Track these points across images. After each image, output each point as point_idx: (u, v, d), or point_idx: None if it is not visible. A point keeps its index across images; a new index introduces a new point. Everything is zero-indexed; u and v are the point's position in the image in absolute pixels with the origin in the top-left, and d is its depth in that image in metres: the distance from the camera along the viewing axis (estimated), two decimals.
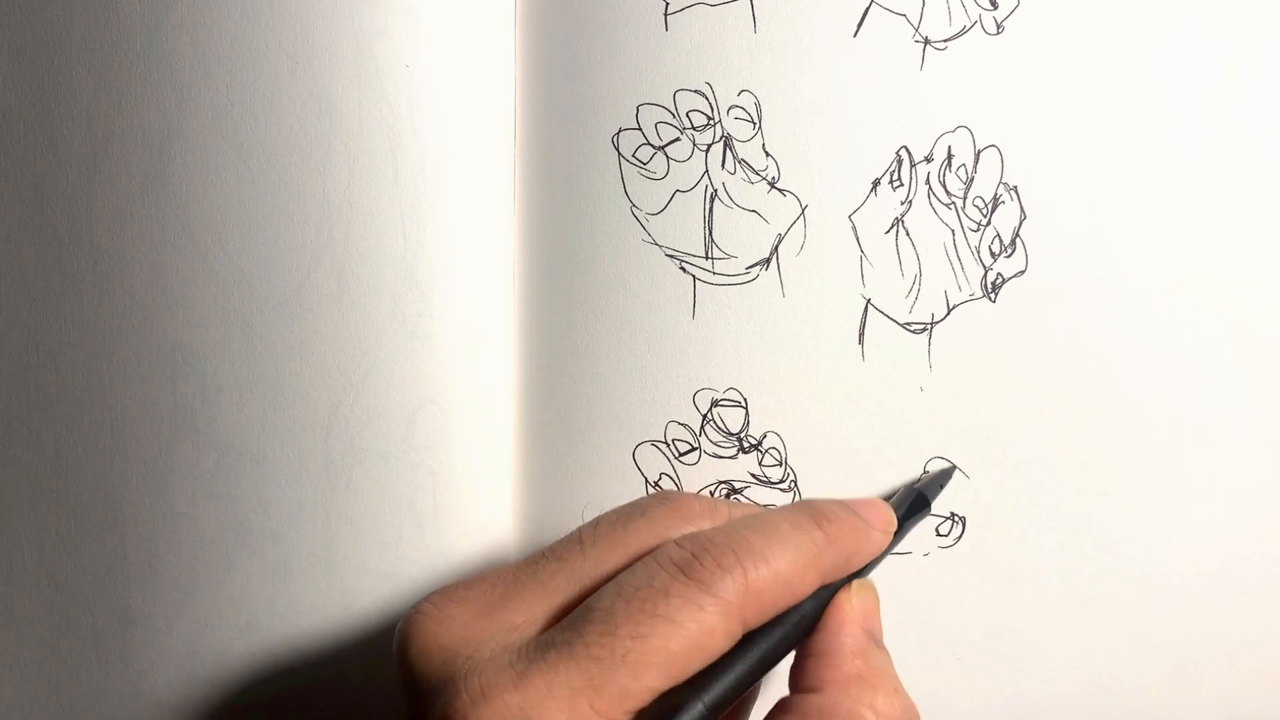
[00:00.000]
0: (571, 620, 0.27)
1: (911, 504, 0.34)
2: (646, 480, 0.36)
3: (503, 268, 0.35)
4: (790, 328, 0.35)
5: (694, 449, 0.36)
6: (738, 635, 0.28)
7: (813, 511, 0.30)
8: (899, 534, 0.33)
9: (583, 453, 0.36)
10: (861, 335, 0.35)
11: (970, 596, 0.35)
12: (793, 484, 0.36)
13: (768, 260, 0.35)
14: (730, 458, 0.36)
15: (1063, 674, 0.36)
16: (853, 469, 0.35)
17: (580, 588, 0.29)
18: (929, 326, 0.35)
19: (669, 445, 0.36)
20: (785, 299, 0.35)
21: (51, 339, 0.33)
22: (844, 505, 0.31)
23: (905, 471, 0.35)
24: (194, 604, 0.34)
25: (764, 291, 0.35)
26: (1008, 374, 0.34)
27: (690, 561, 0.28)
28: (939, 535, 0.35)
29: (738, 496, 0.36)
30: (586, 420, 0.36)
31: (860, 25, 0.34)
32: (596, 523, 0.30)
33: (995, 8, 0.33)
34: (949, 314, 0.34)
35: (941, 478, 0.35)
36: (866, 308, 0.35)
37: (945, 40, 0.33)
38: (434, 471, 0.34)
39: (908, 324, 0.35)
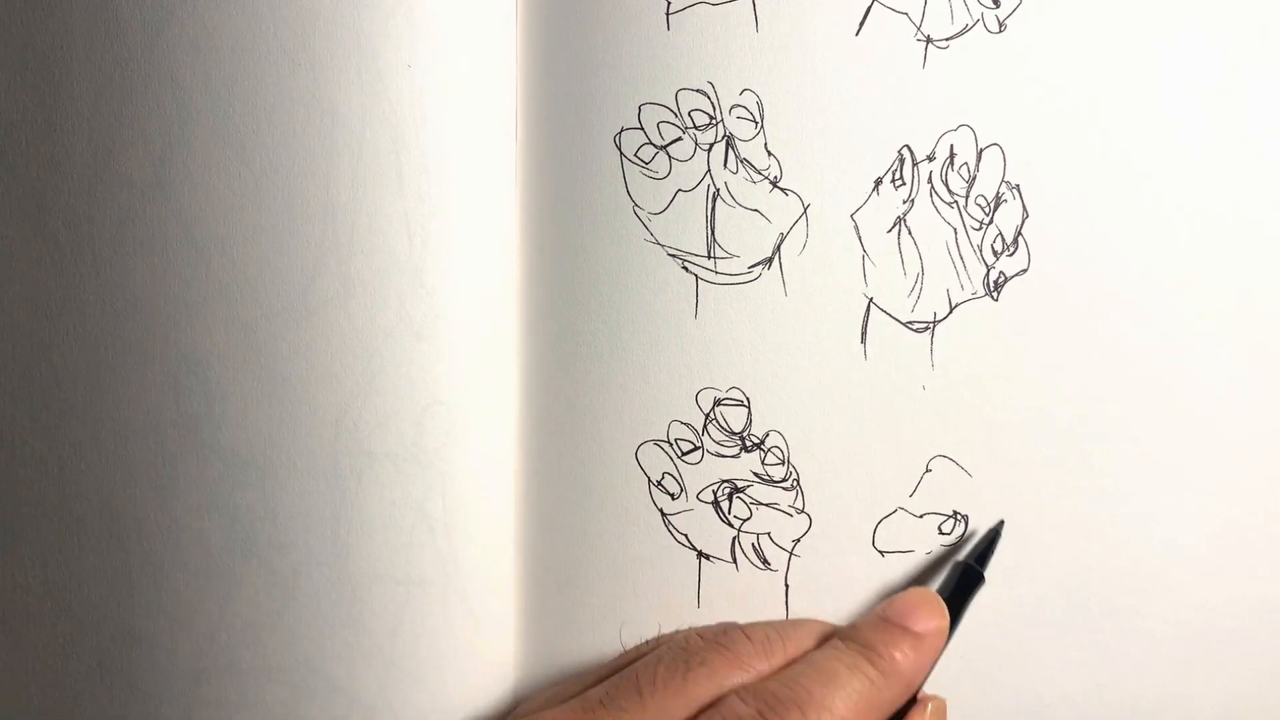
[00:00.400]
0: None
1: (960, 579, 0.34)
2: (649, 480, 0.36)
3: (506, 268, 0.35)
4: (793, 327, 0.35)
5: (696, 448, 0.36)
6: None
7: (864, 648, 0.31)
8: (955, 620, 0.33)
9: (586, 452, 0.36)
10: (864, 334, 0.35)
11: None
12: (795, 483, 0.36)
13: (770, 259, 0.35)
14: (733, 457, 0.36)
15: (1064, 672, 0.36)
16: (855, 468, 0.36)
17: None
18: (931, 325, 0.35)
19: (672, 444, 0.36)
20: (788, 298, 0.35)
21: (54, 353, 0.32)
22: (890, 626, 0.32)
23: (908, 470, 0.35)
24: (199, 620, 0.33)
25: (766, 291, 0.35)
26: (1010, 373, 0.35)
27: (757, 718, 0.28)
28: (941, 534, 0.36)
29: (740, 496, 0.36)
30: (590, 419, 0.35)
31: (862, 24, 0.34)
32: (654, 671, 0.31)
33: (997, 6, 0.33)
34: (951, 313, 0.35)
35: (989, 541, 0.35)
36: (869, 307, 0.35)
37: (947, 39, 0.34)
38: (443, 474, 0.34)
39: (910, 323, 0.35)
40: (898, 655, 0.31)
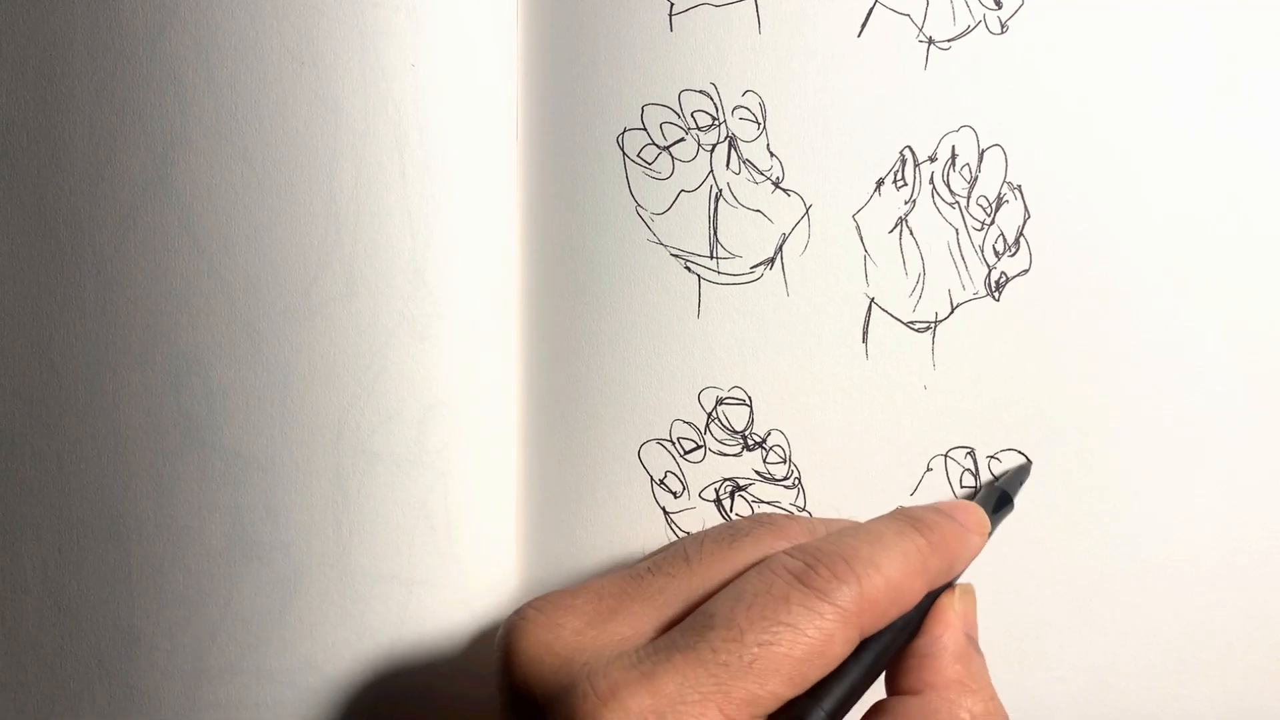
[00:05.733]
0: (692, 625, 0.27)
1: (996, 502, 0.34)
2: (652, 479, 0.36)
3: (508, 267, 0.35)
4: (794, 326, 0.35)
5: (699, 447, 0.36)
6: (855, 643, 0.28)
7: (912, 519, 0.31)
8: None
9: (588, 451, 0.36)
10: (865, 334, 0.35)
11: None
12: (796, 481, 0.36)
13: (772, 260, 0.35)
14: (735, 455, 0.36)
15: (1066, 672, 0.36)
16: (856, 467, 0.36)
17: (687, 603, 0.29)
18: (933, 325, 0.35)
19: (674, 443, 0.36)
20: (789, 298, 0.35)
21: (54, 351, 0.32)
22: (940, 511, 0.32)
23: (909, 469, 0.36)
24: (200, 620, 0.33)
25: (768, 291, 0.35)
26: (1011, 373, 0.35)
27: (806, 571, 0.28)
28: None
29: (742, 494, 0.36)
30: (592, 419, 0.35)
31: (864, 25, 0.34)
32: (701, 540, 0.30)
33: (999, 7, 0.33)
34: (953, 313, 0.35)
35: (1021, 474, 0.35)
36: (870, 306, 0.35)
37: (949, 40, 0.34)
38: (445, 474, 0.34)
39: (911, 323, 0.35)
40: (945, 533, 0.31)
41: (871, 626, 0.28)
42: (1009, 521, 0.35)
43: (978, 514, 0.33)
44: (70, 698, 0.33)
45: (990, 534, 0.33)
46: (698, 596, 0.29)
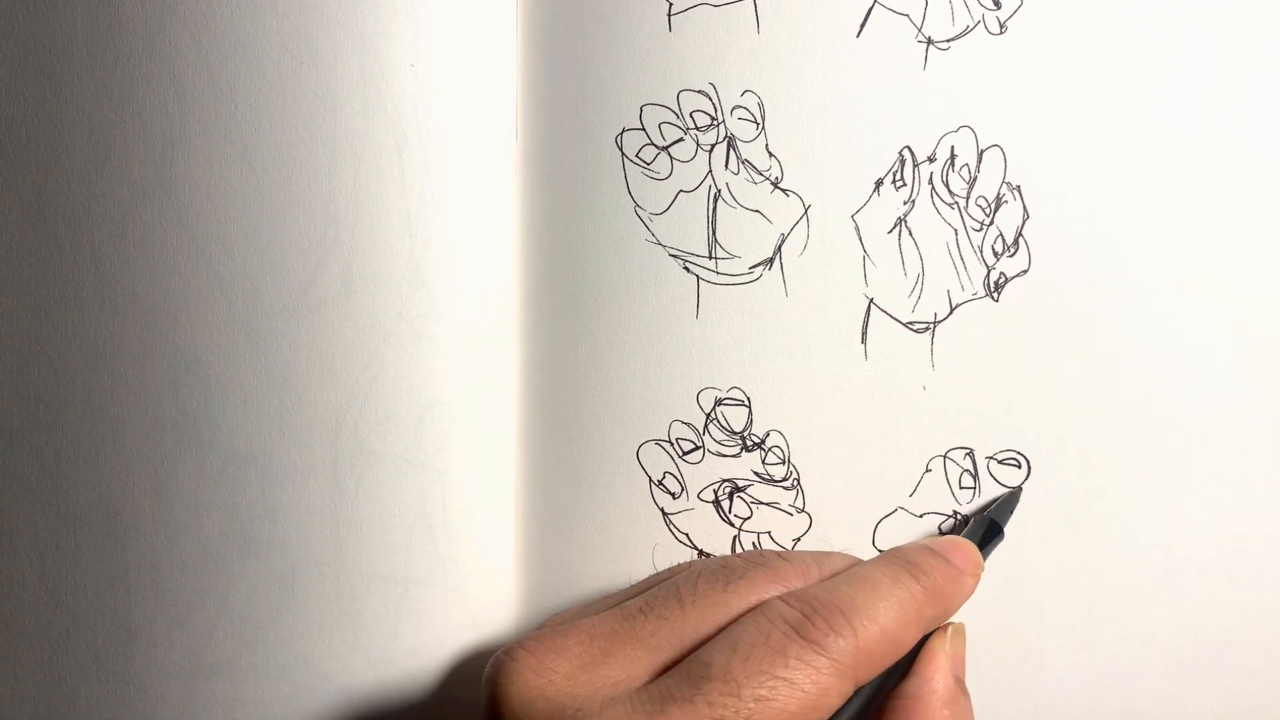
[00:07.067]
0: (687, 674, 0.27)
1: (985, 532, 0.34)
2: (650, 479, 0.36)
3: (507, 267, 0.35)
4: (793, 327, 0.35)
5: (697, 448, 0.36)
6: (849, 695, 0.28)
7: (907, 564, 0.31)
8: None
9: (587, 451, 0.36)
10: (864, 334, 0.35)
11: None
12: (795, 482, 0.36)
13: (771, 260, 0.35)
14: (733, 456, 0.36)
15: (1065, 673, 0.36)
16: (855, 467, 0.36)
17: (681, 647, 0.29)
18: (932, 326, 0.35)
19: (673, 444, 0.36)
20: (788, 298, 0.35)
21: (52, 349, 0.32)
22: (934, 553, 0.32)
23: (908, 470, 0.35)
24: (197, 617, 0.33)
25: (767, 291, 0.35)
26: (1010, 373, 0.35)
27: (803, 622, 0.28)
28: (941, 534, 0.36)
29: (741, 495, 0.36)
30: (590, 419, 0.35)
31: (863, 26, 0.34)
32: (694, 581, 0.31)
33: (998, 8, 0.33)
34: (952, 313, 0.35)
35: (1010, 502, 0.35)
36: (869, 307, 0.35)
37: (948, 40, 0.34)
38: (443, 473, 0.34)
39: (910, 323, 0.35)
40: (939, 578, 0.31)
41: (866, 677, 0.29)
42: (1010, 522, 0.35)
43: (971, 554, 0.33)
44: (67, 694, 0.34)
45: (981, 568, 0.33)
46: (691, 640, 0.29)
